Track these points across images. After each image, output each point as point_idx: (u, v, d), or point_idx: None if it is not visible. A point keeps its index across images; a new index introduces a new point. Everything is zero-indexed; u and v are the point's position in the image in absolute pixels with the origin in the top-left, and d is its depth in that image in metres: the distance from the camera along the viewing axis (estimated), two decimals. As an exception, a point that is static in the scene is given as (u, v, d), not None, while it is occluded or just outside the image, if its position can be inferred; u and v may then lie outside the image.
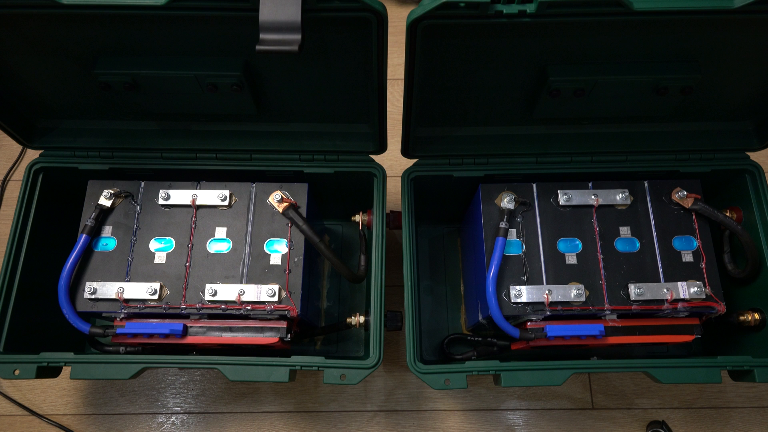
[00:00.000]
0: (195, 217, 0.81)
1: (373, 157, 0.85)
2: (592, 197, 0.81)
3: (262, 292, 0.76)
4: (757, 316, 0.81)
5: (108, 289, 0.76)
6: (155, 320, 0.77)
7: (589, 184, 0.82)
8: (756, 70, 0.72)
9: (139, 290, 0.76)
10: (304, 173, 0.85)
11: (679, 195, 0.80)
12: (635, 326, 0.78)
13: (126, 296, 0.76)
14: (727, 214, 0.84)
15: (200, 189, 0.82)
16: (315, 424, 0.98)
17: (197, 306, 0.76)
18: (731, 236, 0.87)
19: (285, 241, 0.79)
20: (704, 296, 0.76)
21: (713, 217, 0.79)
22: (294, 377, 0.75)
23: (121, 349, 0.79)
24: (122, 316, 0.77)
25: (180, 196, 0.81)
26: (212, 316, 0.78)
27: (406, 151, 0.83)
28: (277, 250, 0.79)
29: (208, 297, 0.75)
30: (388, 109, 0.94)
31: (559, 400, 0.99)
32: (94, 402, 0.99)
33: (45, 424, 0.98)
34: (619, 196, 0.81)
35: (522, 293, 0.76)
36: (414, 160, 0.85)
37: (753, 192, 0.84)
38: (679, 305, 0.76)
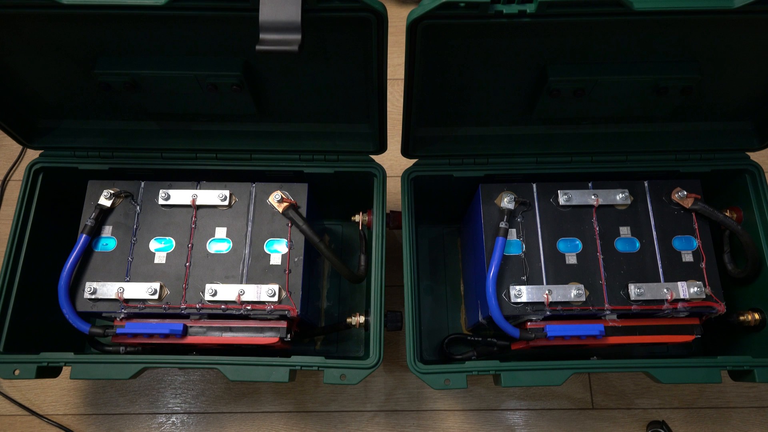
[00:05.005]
0: (195, 217, 0.81)
1: (373, 157, 0.85)
2: (592, 197, 0.81)
3: (262, 292, 0.76)
4: (757, 316, 0.81)
5: (108, 289, 0.76)
6: (155, 320, 0.77)
7: (589, 184, 0.82)
8: (756, 70, 0.72)
9: (139, 290, 0.76)
10: (304, 173, 0.85)
11: (679, 195, 0.80)
12: (635, 326, 0.78)
13: (126, 296, 0.76)
14: (727, 214, 0.84)
15: (200, 189, 0.82)
16: (315, 424, 0.98)
17: (197, 306, 0.76)
18: (731, 236, 0.87)
19: (285, 241, 0.79)
20: (704, 296, 0.76)
21: (713, 217, 0.79)
22: (294, 377, 0.75)
23: (121, 349, 0.80)
24: (122, 316, 0.77)
25: (180, 196, 0.81)
26: (212, 316, 0.78)
27: (406, 151, 0.83)
28: (277, 250, 0.79)
29: (208, 297, 0.75)
30: (388, 109, 0.94)
31: (559, 400, 0.99)
32: (94, 402, 0.99)
33: (45, 424, 0.98)
34: (619, 196, 0.81)
35: (522, 293, 0.76)
36: (414, 160, 0.85)
37: (753, 192, 0.84)
38: (679, 305, 0.76)
